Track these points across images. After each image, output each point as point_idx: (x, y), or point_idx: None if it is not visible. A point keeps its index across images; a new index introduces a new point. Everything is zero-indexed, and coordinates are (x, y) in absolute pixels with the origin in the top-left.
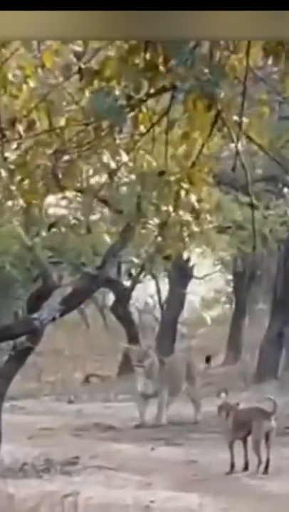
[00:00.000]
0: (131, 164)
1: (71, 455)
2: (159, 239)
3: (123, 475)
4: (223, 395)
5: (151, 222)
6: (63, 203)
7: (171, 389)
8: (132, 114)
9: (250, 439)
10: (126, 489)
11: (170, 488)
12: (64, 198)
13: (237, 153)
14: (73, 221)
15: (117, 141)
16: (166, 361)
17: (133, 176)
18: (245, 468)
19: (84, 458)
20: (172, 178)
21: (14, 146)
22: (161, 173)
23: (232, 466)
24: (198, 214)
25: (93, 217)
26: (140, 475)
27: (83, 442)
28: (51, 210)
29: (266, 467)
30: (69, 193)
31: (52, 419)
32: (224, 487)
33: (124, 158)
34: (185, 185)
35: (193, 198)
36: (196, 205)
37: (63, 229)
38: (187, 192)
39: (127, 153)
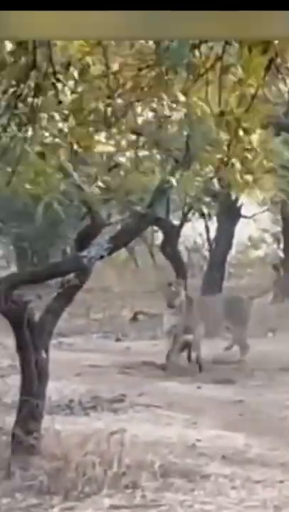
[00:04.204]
0: (184, 110)
1: (118, 392)
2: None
3: (169, 413)
4: (270, 334)
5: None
6: (112, 141)
7: (208, 328)
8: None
9: None
10: (172, 427)
11: (216, 427)
12: (112, 137)
13: None
14: (122, 159)
15: (172, 87)
16: (199, 300)
17: (182, 114)
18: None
19: (131, 396)
20: (230, 119)
21: (68, 90)
22: (221, 114)
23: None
24: (251, 160)
25: (142, 156)
26: (187, 413)
27: (130, 380)
28: (99, 148)
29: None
30: (115, 132)
31: (99, 356)
32: (271, 427)
33: (181, 98)
34: (241, 129)
35: (248, 141)
36: (255, 145)
37: (122, 172)
38: (244, 133)
39: (180, 99)
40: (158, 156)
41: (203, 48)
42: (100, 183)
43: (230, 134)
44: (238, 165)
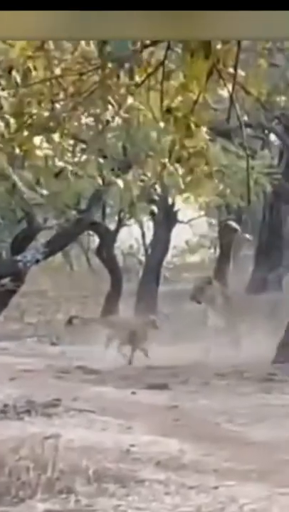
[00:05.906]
0: (126, 115)
1: (53, 397)
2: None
3: (104, 418)
4: None
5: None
6: (48, 145)
7: None
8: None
9: None
10: (106, 432)
11: (151, 433)
12: (50, 141)
13: (231, 101)
14: (59, 164)
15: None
16: None
17: (120, 121)
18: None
19: (65, 400)
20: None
21: (9, 94)
22: (168, 112)
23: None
24: (192, 165)
25: (82, 161)
26: (121, 418)
27: (65, 384)
28: (39, 153)
29: None
30: (56, 136)
31: (34, 360)
32: (205, 433)
33: (128, 101)
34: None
35: (188, 147)
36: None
37: (60, 177)
38: (182, 141)
39: (122, 104)
40: (97, 161)
41: (145, 53)
42: (37, 188)
43: (179, 132)
44: (178, 170)
